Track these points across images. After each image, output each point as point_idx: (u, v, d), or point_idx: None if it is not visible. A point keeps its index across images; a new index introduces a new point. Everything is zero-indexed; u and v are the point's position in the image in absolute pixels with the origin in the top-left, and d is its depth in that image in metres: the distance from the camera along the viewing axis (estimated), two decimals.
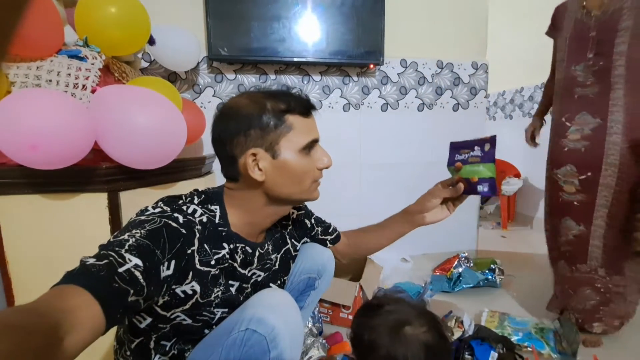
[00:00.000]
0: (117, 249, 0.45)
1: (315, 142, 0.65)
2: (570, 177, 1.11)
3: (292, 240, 0.82)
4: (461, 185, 0.76)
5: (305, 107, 0.63)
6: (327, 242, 0.89)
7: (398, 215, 0.88)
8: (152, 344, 0.60)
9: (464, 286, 1.49)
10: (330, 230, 0.90)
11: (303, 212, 0.86)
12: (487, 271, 1.53)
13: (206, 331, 0.63)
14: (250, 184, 0.63)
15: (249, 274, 0.67)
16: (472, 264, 1.58)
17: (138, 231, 0.49)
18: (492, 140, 0.73)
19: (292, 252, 0.81)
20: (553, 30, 1.23)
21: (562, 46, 1.16)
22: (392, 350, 0.61)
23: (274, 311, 0.57)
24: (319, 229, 0.88)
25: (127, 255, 0.44)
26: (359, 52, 1.69)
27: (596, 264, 1.09)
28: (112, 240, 0.48)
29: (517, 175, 2.55)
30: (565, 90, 1.13)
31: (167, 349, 0.61)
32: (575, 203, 1.11)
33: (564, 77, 1.13)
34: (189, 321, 0.59)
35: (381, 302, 0.70)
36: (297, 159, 0.62)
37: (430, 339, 0.62)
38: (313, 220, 0.88)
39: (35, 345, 0.29)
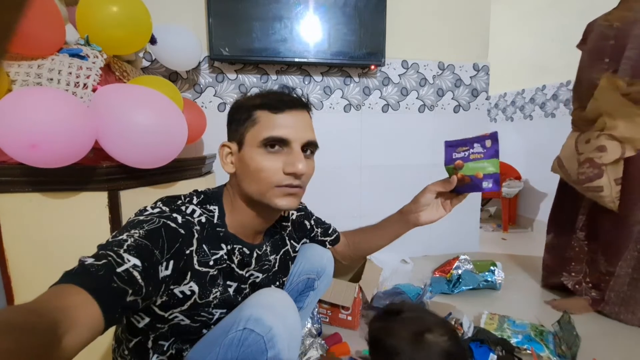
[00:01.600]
0: (115, 249, 0.45)
1: (279, 140, 0.59)
2: None
3: (292, 241, 0.81)
4: (454, 178, 0.74)
5: (276, 102, 0.60)
6: (327, 243, 0.89)
7: (394, 216, 0.85)
8: (149, 344, 0.60)
9: (464, 288, 1.49)
10: (329, 232, 0.90)
11: (303, 213, 0.86)
12: (487, 273, 1.52)
13: (204, 331, 0.63)
14: (231, 180, 0.66)
15: (247, 275, 0.67)
16: (472, 266, 1.57)
17: (137, 231, 0.49)
18: (492, 136, 0.72)
19: (291, 253, 0.81)
20: (582, 44, 1.40)
21: (585, 56, 1.33)
22: (413, 355, 0.61)
23: (272, 311, 0.57)
24: (319, 230, 0.88)
25: (126, 256, 0.44)
26: (361, 53, 1.69)
27: (577, 227, 1.38)
28: (110, 240, 0.48)
29: (518, 177, 2.54)
30: (589, 92, 1.26)
31: (165, 348, 0.61)
32: None
33: (587, 80, 1.27)
34: (187, 321, 0.59)
35: (400, 308, 0.70)
36: (254, 154, 0.60)
37: (452, 347, 0.62)
38: (313, 222, 0.88)
39: (33, 344, 0.29)
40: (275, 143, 0.59)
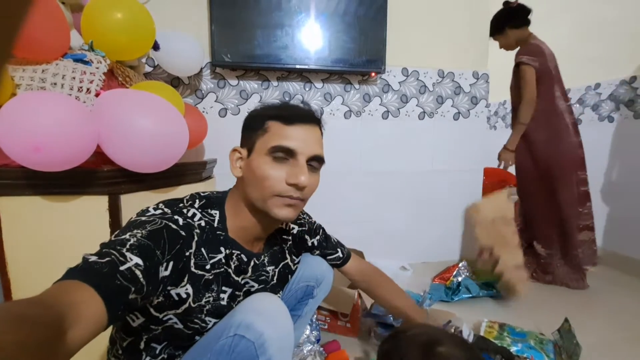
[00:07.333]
0: (118, 247, 0.45)
1: (286, 150, 0.60)
2: None
3: (292, 255, 0.81)
4: None
5: (288, 114, 0.62)
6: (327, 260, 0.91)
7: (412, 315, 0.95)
8: (142, 345, 0.60)
9: (464, 296, 1.48)
10: (330, 258, 0.90)
11: (305, 228, 0.85)
12: (486, 281, 1.52)
13: (197, 338, 0.62)
14: (237, 184, 0.67)
15: (242, 282, 0.67)
16: (471, 274, 1.57)
17: (139, 231, 0.50)
18: None
19: (291, 267, 0.81)
20: None
21: None
22: None
23: (263, 317, 0.57)
24: (318, 252, 0.88)
25: (129, 254, 0.45)
26: (361, 60, 1.71)
27: None
28: (113, 239, 0.48)
29: None
30: None
31: (157, 352, 0.61)
32: None
33: None
34: (181, 326, 0.59)
35: (406, 327, 0.69)
36: (261, 161, 0.61)
37: (466, 356, 0.61)
38: (316, 242, 0.87)
39: (40, 336, 0.30)
40: (281, 153, 0.60)
